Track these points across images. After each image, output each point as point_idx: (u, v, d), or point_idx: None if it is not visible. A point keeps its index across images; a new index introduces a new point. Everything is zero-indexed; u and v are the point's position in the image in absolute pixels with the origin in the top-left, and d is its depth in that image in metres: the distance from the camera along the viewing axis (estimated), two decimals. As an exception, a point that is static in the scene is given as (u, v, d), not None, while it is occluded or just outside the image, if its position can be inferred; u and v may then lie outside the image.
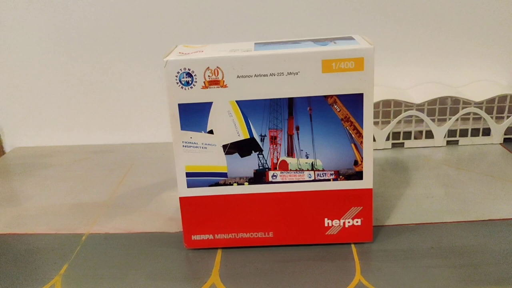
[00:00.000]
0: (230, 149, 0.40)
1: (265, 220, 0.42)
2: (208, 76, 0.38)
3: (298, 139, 0.40)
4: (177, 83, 0.38)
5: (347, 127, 0.39)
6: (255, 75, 0.38)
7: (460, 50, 0.67)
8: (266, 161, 0.40)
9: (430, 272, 0.39)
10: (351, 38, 0.40)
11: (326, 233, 0.42)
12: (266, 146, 0.40)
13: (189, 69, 0.38)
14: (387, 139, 0.65)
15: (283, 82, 0.38)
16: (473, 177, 0.55)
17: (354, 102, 0.38)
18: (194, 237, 0.43)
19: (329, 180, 0.41)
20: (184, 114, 0.39)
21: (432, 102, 0.66)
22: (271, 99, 0.39)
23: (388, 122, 0.66)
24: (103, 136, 0.73)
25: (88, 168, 0.64)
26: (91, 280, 0.40)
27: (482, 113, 0.63)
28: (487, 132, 0.66)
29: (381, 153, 0.64)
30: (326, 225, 0.42)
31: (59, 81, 0.71)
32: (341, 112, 0.39)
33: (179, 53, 0.39)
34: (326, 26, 0.66)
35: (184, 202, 0.42)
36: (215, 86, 0.38)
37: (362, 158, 0.40)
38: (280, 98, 0.38)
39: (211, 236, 0.43)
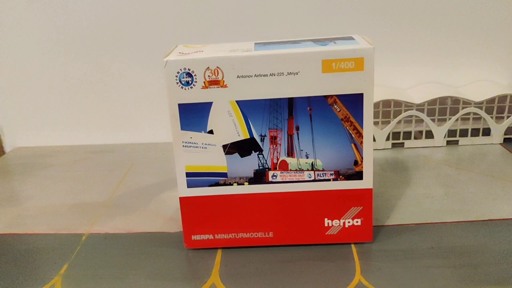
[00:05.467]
0: (230, 149, 0.40)
1: (265, 220, 0.42)
2: (208, 76, 0.38)
3: (298, 139, 0.40)
4: (177, 83, 0.38)
5: (347, 127, 0.39)
6: (255, 75, 0.38)
7: (460, 50, 0.67)
8: (266, 161, 0.40)
9: (430, 272, 0.39)
10: (351, 38, 0.40)
11: (326, 233, 0.42)
12: (266, 146, 0.40)
13: (189, 69, 0.38)
14: (387, 139, 0.65)
15: (283, 82, 0.38)
16: (473, 177, 0.55)
17: (354, 102, 0.38)
18: (194, 237, 0.43)
19: (329, 180, 0.41)
20: (184, 114, 0.39)
21: (432, 102, 0.66)
22: (271, 99, 0.39)
23: (388, 122, 0.66)
24: (103, 136, 0.73)
25: (88, 168, 0.64)
26: (91, 280, 0.40)
27: (482, 113, 0.63)
28: (487, 132, 0.66)
29: (381, 153, 0.64)
30: (326, 225, 0.42)
31: (59, 81, 0.71)
32: (341, 112, 0.39)
33: (179, 53, 0.39)
34: (326, 26, 0.66)
35: (184, 202, 0.42)
36: (215, 86, 0.38)
37: (362, 158, 0.40)
38: (280, 98, 0.38)
39: (211, 236, 0.43)
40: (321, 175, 0.40)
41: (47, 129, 0.74)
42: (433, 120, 0.66)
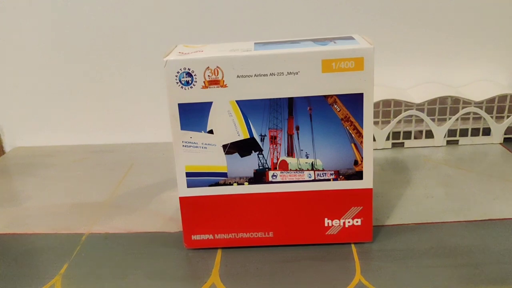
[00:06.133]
0: (230, 149, 0.40)
1: (265, 220, 0.42)
2: (208, 76, 0.38)
3: (298, 139, 0.40)
4: (177, 83, 0.38)
5: (347, 127, 0.39)
6: (255, 75, 0.38)
7: (460, 50, 0.67)
8: (266, 161, 0.40)
9: (430, 272, 0.39)
10: (351, 38, 0.40)
11: (326, 233, 0.42)
12: (266, 146, 0.40)
13: (189, 69, 0.38)
14: (387, 139, 0.65)
15: (283, 82, 0.38)
16: (473, 177, 0.55)
17: (354, 102, 0.38)
18: (194, 237, 0.43)
19: (329, 180, 0.41)
20: (184, 114, 0.39)
21: (432, 102, 0.66)
22: (271, 99, 0.39)
23: (388, 122, 0.66)
24: (103, 136, 0.73)
25: (88, 168, 0.64)
26: (91, 280, 0.40)
27: (482, 113, 0.63)
28: (487, 132, 0.66)
29: (381, 153, 0.64)
30: (326, 225, 0.42)
31: (59, 81, 0.71)
32: (341, 112, 0.39)
33: (179, 53, 0.39)
34: (326, 26, 0.66)
35: (184, 202, 0.42)
36: (215, 86, 0.38)
37: (362, 158, 0.40)
38: (280, 98, 0.38)
39: (211, 236, 0.43)
40: (321, 175, 0.40)
41: (47, 129, 0.74)
42: (433, 120, 0.66)
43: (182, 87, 0.38)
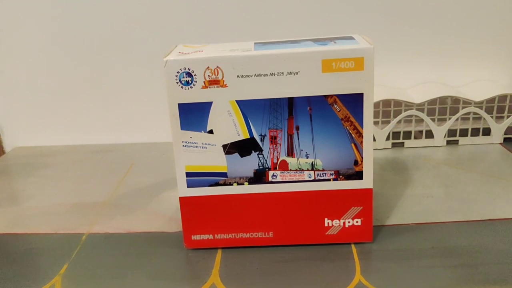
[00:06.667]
0: (230, 149, 0.40)
1: (265, 220, 0.42)
2: (208, 75, 0.38)
3: (298, 139, 0.40)
4: (177, 83, 0.38)
5: (347, 127, 0.39)
6: (255, 75, 0.38)
7: (460, 50, 0.67)
8: (266, 161, 0.40)
9: (430, 272, 0.39)
10: (351, 38, 0.40)
11: (326, 233, 0.42)
12: (266, 146, 0.40)
13: (189, 69, 0.38)
14: (387, 139, 0.65)
15: (283, 82, 0.38)
16: (473, 177, 0.55)
17: (354, 102, 0.38)
18: (194, 237, 0.43)
19: (329, 180, 0.41)
20: (184, 114, 0.39)
21: (432, 102, 0.66)
22: (271, 99, 0.39)
23: (388, 122, 0.66)
24: (103, 136, 0.73)
25: (88, 168, 0.64)
26: (91, 280, 0.40)
27: (482, 112, 0.63)
28: (487, 132, 0.66)
29: (381, 153, 0.64)
30: (326, 225, 0.42)
31: (59, 81, 0.71)
32: (341, 112, 0.39)
33: (179, 53, 0.39)
34: (326, 26, 0.66)
35: (184, 202, 0.42)
36: (215, 85, 0.38)
37: (362, 158, 0.40)
38: (280, 98, 0.38)
39: (211, 236, 0.43)
40: (321, 175, 0.40)
41: (47, 129, 0.74)
42: (433, 120, 0.66)
43: (182, 87, 0.38)
